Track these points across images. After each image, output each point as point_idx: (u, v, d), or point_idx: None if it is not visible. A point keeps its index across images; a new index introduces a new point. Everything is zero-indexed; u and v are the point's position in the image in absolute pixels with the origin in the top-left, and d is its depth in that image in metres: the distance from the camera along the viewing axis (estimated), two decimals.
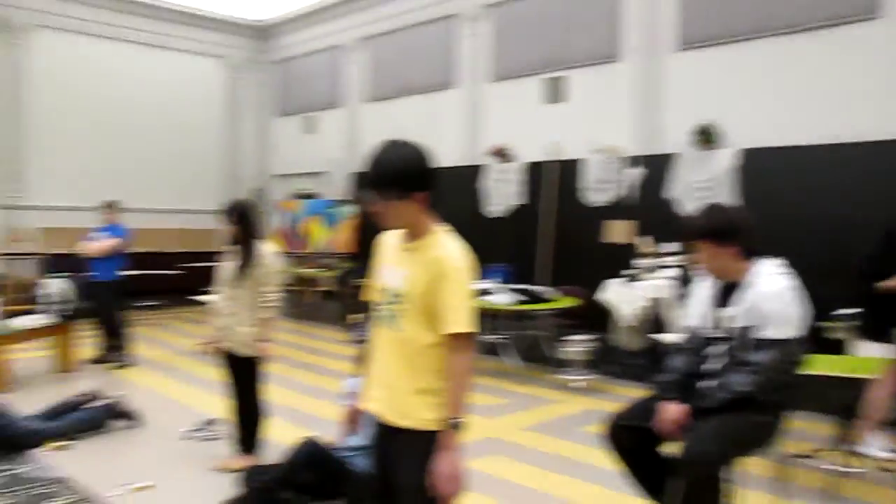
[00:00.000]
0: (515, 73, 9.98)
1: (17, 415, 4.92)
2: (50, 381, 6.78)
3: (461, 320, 2.21)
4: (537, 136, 9.27)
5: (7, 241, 11.14)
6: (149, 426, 5.41)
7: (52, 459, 4.66)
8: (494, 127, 10.11)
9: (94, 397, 5.42)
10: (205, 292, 7.66)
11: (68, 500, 4.01)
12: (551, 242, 8.87)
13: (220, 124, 14.27)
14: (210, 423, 5.25)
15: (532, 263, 8.89)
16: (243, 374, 4.51)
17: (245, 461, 4.48)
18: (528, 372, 7.45)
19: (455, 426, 2.22)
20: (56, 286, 6.87)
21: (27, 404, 5.31)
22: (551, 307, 7.49)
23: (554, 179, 8.90)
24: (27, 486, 4.22)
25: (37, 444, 4.84)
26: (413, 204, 2.25)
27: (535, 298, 7.42)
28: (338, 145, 12.68)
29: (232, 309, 4.43)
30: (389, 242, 2.42)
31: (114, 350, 7.56)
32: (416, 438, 2.26)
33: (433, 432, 2.23)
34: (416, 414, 2.26)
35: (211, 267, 4.62)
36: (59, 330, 7.04)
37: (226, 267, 4.52)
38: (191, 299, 9.30)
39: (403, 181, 2.23)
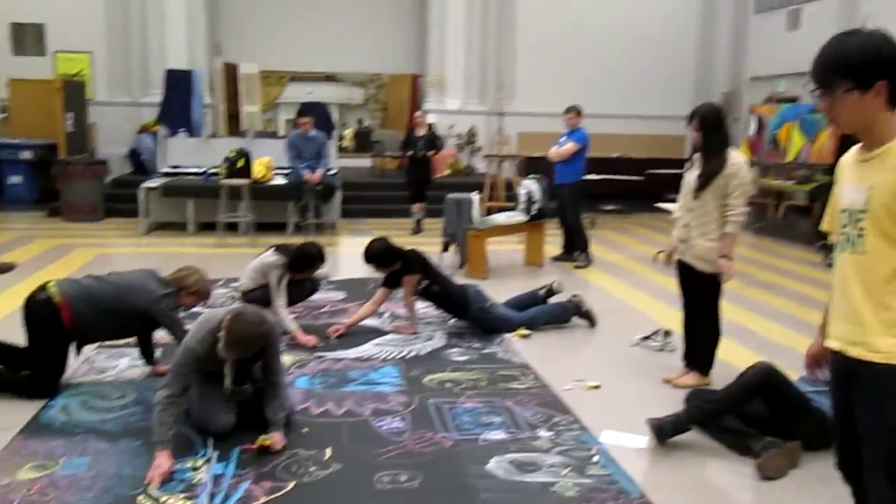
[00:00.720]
0: None
1: (493, 300, 5.46)
2: (518, 274, 7.45)
3: None
4: None
5: (494, 145, 12.42)
6: (602, 327, 5.56)
7: (516, 345, 5.11)
8: None
9: (554, 292, 5.76)
10: (669, 200, 7.52)
11: (529, 385, 4.35)
12: None
13: (693, 26, 13.68)
14: (663, 333, 5.16)
15: None
16: (700, 289, 4.27)
17: (694, 379, 4.31)
18: None
19: None
20: (528, 187, 7.40)
21: (497, 292, 5.87)
22: None
23: None
24: (496, 365, 4.70)
25: (507, 330, 5.35)
26: (869, 99, 1.89)
27: None
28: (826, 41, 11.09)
29: (692, 220, 4.19)
30: (847, 160, 2.09)
31: (574, 250, 7.96)
32: (890, 377, 1.90)
33: None
34: (888, 348, 1.90)
35: (676, 174, 4.42)
36: (529, 227, 7.62)
37: (690, 175, 4.27)
38: (654, 206, 9.26)
39: (853, 70, 1.89)
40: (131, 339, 4.47)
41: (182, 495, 3.01)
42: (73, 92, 11.28)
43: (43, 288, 3.99)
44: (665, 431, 3.51)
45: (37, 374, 4.01)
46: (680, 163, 4.41)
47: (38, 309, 3.95)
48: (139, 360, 4.48)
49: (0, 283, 5.37)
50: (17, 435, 3.54)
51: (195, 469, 3.23)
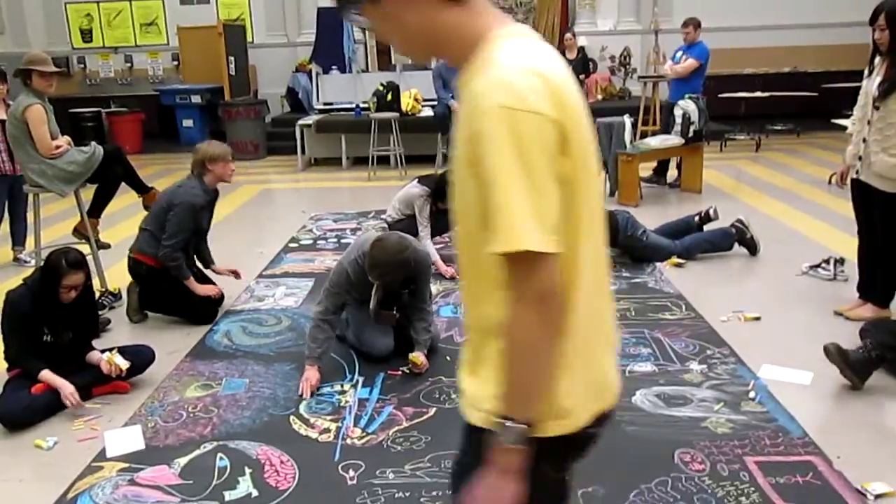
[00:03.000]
0: None
1: (645, 227, 5.19)
2: (673, 200, 7.06)
3: (506, 227, 1.06)
4: None
5: (649, 65, 11.75)
6: (765, 256, 5.16)
7: (669, 274, 4.85)
8: None
9: (710, 219, 5.40)
10: (846, 116, 6.79)
11: (681, 316, 4.13)
12: None
13: None
14: (835, 261, 4.71)
15: None
16: (881, 211, 3.81)
17: (870, 311, 3.89)
18: None
19: (508, 431, 1.15)
20: (685, 108, 6.91)
21: (649, 219, 5.58)
22: None
23: None
24: (646, 295, 4.49)
25: (660, 259, 5.09)
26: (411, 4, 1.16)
27: None
28: None
29: (873, 134, 3.72)
30: None
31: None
32: (473, 439, 1.27)
33: (482, 432, 1.21)
34: (471, 399, 1.28)
35: (857, 88, 3.93)
36: (686, 151, 7.15)
37: (870, 83, 3.77)
38: (830, 122, 8.41)
39: None
40: (288, 270, 4.68)
41: (329, 417, 3.13)
42: (234, 36, 11.77)
43: (128, 255, 4.32)
44: (854, 364, 3.13)
45: (187, 308, 4.31)
46: (855, 75, 3.89)
47: (131, 270, 4.30)
48: (294, 289, 4.69)
49: None
50: (186, 357, 3.81)
51: (342, 393, 3.34)
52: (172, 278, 4.19)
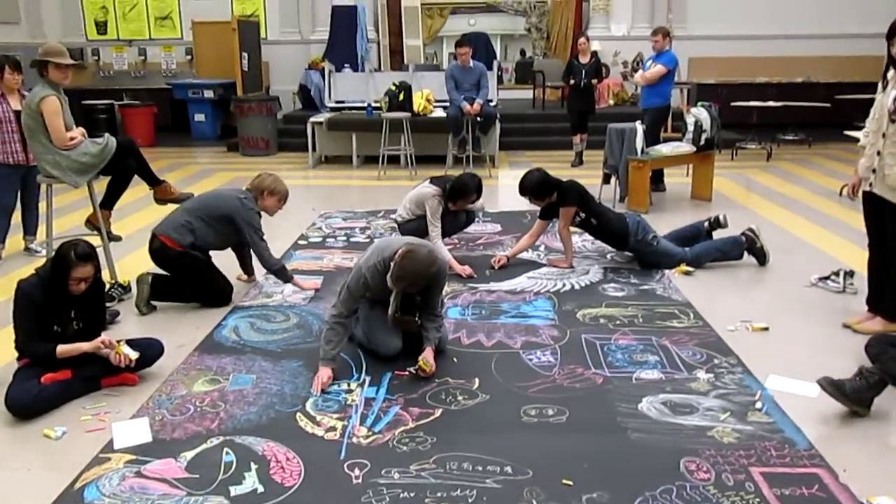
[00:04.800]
0: None
1: (656, 233, 5.17)
2: (684, 208, 7.04)
3: None
4: None
5: None
6: (775, 266, 5.15)
7: (677, 282, 4.84)
8: None
9: (721, 226, 5.38)
10: (858, 128, 6.77)
11: (689, 324, 4.12)
12: None
13: None
14: (844, 274, 4.69)
15: None
16: (893, 224, 3.79)
17: (879, 325, 3.88)
18: None
19: None
20: (697, 115, 6.89)
21: (659, 225, 5.56)
22: None
23: None
24: (654, 302, 4.49)
25: (669, 266, 5.08)
26: None
27: None
28: None
29: (887, 147, 3.70)
30: None
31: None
32: None
33: None
34: None
35: (869, 100, 3.93)
36: (697, 158, 7.13)
37: (885, 97, 3.76)
38: (843, 134, 8.38)
39: None
40: (297, 267, 4.69)
41: (335, 415, 3.13)
42: (248, 32, 11.80)
43: (153, 237, 4.44)
44: (852, 394, 3.05)
45: (208, 290, 4.47)
46: (874, 87, 3.89)
47: (156, 252, 4.43)
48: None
49: None
50: (194, 351, 3.83)
51: (349, 391, 3.35)
52: (197, 263, 4.40)
